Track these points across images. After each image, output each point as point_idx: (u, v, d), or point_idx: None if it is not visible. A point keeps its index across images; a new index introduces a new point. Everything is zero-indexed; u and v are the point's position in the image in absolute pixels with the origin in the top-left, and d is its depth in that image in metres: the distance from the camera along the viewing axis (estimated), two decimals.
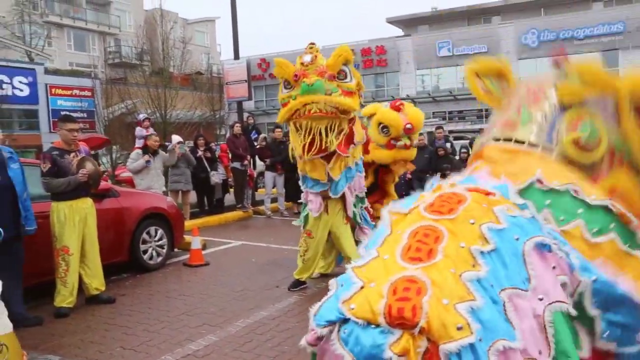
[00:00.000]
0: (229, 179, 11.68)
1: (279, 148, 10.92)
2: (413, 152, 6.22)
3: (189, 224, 9.06)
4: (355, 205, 5.66)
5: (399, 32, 41.80)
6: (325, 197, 5.52)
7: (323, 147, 4.94)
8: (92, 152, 8.21)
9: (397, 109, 5.86)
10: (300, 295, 5.62)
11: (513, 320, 1.69)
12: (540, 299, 1.77)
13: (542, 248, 1.87)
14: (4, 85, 24.14)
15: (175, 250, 7.73)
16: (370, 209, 6.14)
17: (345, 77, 4.98)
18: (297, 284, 5.78)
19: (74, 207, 5.26)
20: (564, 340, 1.77)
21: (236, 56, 17.65)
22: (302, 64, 4.97)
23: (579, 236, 2.04)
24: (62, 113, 9.62)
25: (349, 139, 5.17)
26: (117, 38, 40.98)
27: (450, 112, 32.42)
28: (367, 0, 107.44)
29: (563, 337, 1.77)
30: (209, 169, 10.70)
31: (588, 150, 2.18)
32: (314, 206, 5.51)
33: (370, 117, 6.14)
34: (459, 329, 1.54)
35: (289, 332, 4.55)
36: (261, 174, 12.33)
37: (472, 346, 1.54)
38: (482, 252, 1.80)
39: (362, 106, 5.73)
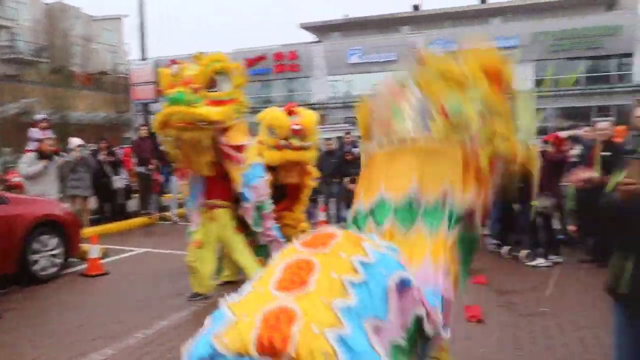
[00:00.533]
0: (133, 184, 11.23)
1: None
2: (305, 155, 6.08)
3: (88, 231, 8.60)
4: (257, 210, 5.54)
5: (311, 37, 42.28)
6: (212, 207, 5.51)
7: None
8: None
9: (290, 111, 5.91)
10: (204, 303, 5.51)
11: (377, 347, 1.78)
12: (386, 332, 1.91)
13: (403, 284, 2.00)
14: None
15: (72, 259, 7.30)
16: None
17: (217, 85, 5.05)
18: (197, 295, 5.64)
19: None
20: None
21: (143, 56, 17.07)
22: (170, 75, 5.03)
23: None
24: None
25: (233, 147, 5.25)
26: (12, 32, 38.12)
27: None
28: (281, 6, 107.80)
29: None
30: (111, 174, 10.24)
31: (459, 123, 2.33)
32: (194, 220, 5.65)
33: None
34: (325, 355, 1.58)
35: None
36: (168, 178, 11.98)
37: None
38: (352, 283, 1.88)
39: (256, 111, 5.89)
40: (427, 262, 2.30)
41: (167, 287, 6.13)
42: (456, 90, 2.36)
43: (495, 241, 7.80)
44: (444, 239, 2.35)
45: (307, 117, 5.95)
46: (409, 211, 2.42)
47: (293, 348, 1.57)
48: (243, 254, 5.59)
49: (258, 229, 5.61)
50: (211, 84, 5.00)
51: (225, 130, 5.19)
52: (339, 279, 1.87)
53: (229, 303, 1.89)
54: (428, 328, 2.08)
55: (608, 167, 6.56)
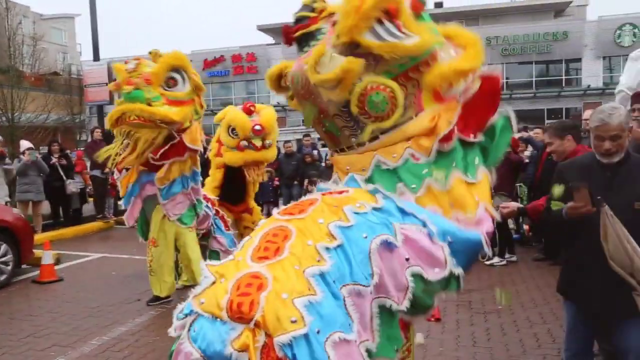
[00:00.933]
0: (88, 188, 10.92)
1: None
2: (267, 155, 6.05)
3: (40, 237, 8.33)
4: (191, 210, 5.47)
5: (269, 39, 42.16)
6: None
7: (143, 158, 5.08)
8: None
9: (248, 111, 5.86)
10: (163, 308, 5.41)
11: (352, 313, 1.79)
12: (373, 298, 1.91)
13: (388, 245, 1.96)
14: None
15: (24, 266, 7.04)
16: (228, 218, 6.09)
17: (175, 84, 4.95)
18: (156, 299, 5.51)
19: None
20: (385, 329, 1.93)
21: (96, 57, 16.63)
22: (126, 70, 4.89)
23: (433, 195, 2.15)
24: None
25: (179, 148, 5.11)
26: None
27: None
28: (239, 7, 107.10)
29: (385, 327, 1.93)
30: (64, 177, 9.93)
31: (385, 117, 2.16)
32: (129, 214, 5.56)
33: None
34: (292, 322, 1.61)
35: (149, 347, 4.37)
36: None
37: (306, 338, 1.62)
38: (327, 248, 1.87)
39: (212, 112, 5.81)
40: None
41: (124, 292, 5.99)
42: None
43: None
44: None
45: (267, 116, 5.91)
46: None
47: (260, 313, 1.62)
48: (194, 250, 5.47)
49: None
50: (169, 83, 4.91)
51: (182, 131, 5.10)
52: (314, 246, 1.87)
53: (208, 264, 1.91)
54: (432, 277, 2.02)
55: (553, 168, 6.87)
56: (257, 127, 5.62)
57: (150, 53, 5.11)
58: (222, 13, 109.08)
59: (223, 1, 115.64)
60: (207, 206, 5.69)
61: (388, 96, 2.10)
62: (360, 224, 1.98)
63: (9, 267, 6.49)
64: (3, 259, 6.42)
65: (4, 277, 6.41)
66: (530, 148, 8.06)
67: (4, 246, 6.42)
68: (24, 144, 9.57)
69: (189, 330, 1.71)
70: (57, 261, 7.24)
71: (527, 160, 7.52)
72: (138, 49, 52.15)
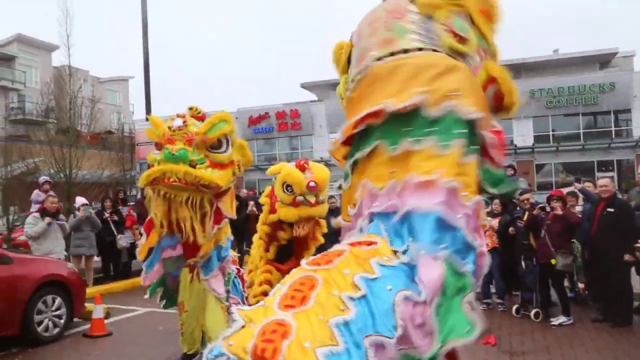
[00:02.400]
0: (137, 242, 11.19)
1: None
2: (320, 210, 6.09)
3: (91, 290, 8.53)
4: (226, 283, 5.36)
5: (312, 96, 43.20)
6: (197, 264, 5.20)
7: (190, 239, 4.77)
8: None
9: (302, 167, 5.93)
10: None
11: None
12: (399, 350, 1.86)
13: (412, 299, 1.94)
14: None
15: (75, 320, 7.20)
16: (246, 278, 5.96)
17: (220, 147, 4.75)
18: (185, 356, 5.32)
19: None
20: None
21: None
22: (170, 128, 4.63)
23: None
24: None
25: (216, 216, 4.92)
26: (20, 94, 39.07)
27: None
28: (283, 66, 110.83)
29: None
30: (115, 232, 10.24)
31: (465, 41, 2.26)
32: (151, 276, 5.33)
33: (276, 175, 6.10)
34: None
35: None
36: None
37: None
38: (351, 298, 1.88)
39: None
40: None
41: (171, 348, 6.00)
42: (459, 15, 2.32)
43: (500, 300, 7.71)
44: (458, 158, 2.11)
45: (320, 172, 5.90)
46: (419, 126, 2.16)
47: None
48: (214, 315, 5.19)
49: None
50: (215, 145, 4.71)
51: (221, 194, 4.92)
52: (339, 296, 1.88)
53: (240, 310, 1.93)
54: None
55: (611, 223, 6.63)
56: (312, 184, 5.64)
57: (190, 109, 4.91)
58: (266, 72, 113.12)
59: (268, 61, 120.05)
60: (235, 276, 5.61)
61: None
62: (385, 277, 1.97)
63: (62, 321, 6.65)
64: (57, 313, 6.59)
65: (57, 330, 6.56)
66: (580, 202, 7.84)
67: (58, 300, 6.61)
68: (79, 200, 9.97)
69: None
70: (107, 315, 7.36)
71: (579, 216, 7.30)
72: (186, 106, 54.05)
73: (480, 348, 5.72)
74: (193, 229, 4.80)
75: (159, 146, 4.57)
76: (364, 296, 1.89)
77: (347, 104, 2.49)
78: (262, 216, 5.99)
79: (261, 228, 6.22)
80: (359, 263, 2.02)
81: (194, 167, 4.47)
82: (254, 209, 11.44)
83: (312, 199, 5.63)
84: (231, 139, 4.92)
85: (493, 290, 7.98)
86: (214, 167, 4.63)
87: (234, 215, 5.16)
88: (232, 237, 5.45)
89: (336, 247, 2.21)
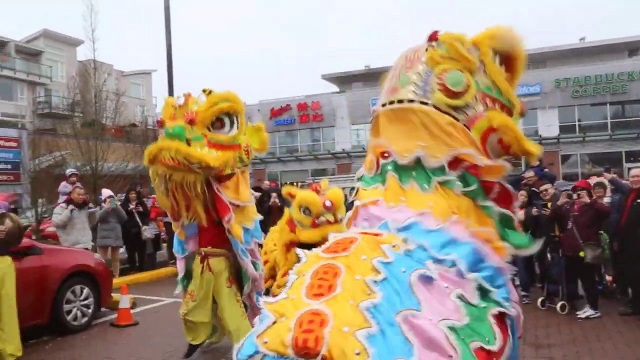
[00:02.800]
0: (162, 234, 11.35)
1: None
2: (340, 228, 6.05)
3: (118, 281, 8.68)
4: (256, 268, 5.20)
5: (334, 88, 43.08)
6: (207, 255, 5.10)
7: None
8: (12, 207, 7.79)
9: (315, 191, 5.91)
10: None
11: (410, 338, 1.86)
12: (430, 319, 1.96)
13: (427, 278, 2.12)
14: None
15: (102, 309, 7.35)
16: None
17: (222, 127, 4.56)
18: (192, 348, 5.29)
19: None
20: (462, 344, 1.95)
21: None
22: (172, 106, 4.53)
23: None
24: None
25: (219, 203, 4.74)
26: (47, 88, 39.78)
27: None
28: (304, 58, 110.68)
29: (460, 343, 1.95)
30: (140, 224, 10.39)
31: (457, 95, 2.50)
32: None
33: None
34: (357, 354, 1.71)
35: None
36: None
37: None
38: (375, 282, 2.01)
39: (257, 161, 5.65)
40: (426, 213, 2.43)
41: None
42: (461, 69, 2.56)
43: (524, 292, 7.62)
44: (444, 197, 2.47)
45: (334, 193, 5.82)
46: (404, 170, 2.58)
47: (326, 348, 1.73)
48: (231, 310, 5.11)
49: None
50: (216, 124, 4.54)
51: (222, 178, 4.72)
52: (363, 280, 2.00)
53: (266, 302, 2.04)
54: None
55: None
56: (328, 203, 5.59)
57: (203, 91, 4.67)
58: (288, 64, 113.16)
59: (289, 53, 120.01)
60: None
61: None
62: (398, 260, 2.15)
63: (90, 310, 6.79)
64: (85, 302, 6.73)
65: (85, 319, 6.70)
66: (608, 193, 7.68)
67: (86, 290, 6.75)
68: (105, 192, 10.13)
69: None
70: (133, 305, 7.49)
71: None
72: None
73: None
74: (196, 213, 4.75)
75: (160, 124, 4.50)
76: (385, 279, 2.03)
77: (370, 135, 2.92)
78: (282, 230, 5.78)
79: (281, 237, 5.95)
80: (372, 248, 2.20)
81: (188, 144, 4.29)
82: (277, 200, 11.48)
83: (331, 218, 5.55)
84: (238, 121, 4.72)
85: (517, 282, 7.90)
86: (211, 147, 4.44)
87: (244, 202, 4.97)
88: (258, 217, 5.32)
89: (347, 235, 2.42)
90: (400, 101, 2.62)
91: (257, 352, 1.85)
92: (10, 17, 64.10)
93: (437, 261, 2.22)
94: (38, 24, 69.93)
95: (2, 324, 5.05)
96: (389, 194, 2.54)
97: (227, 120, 4.61)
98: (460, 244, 2.29)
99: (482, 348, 2.01)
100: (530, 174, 8.82)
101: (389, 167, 2.57)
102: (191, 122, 4.32)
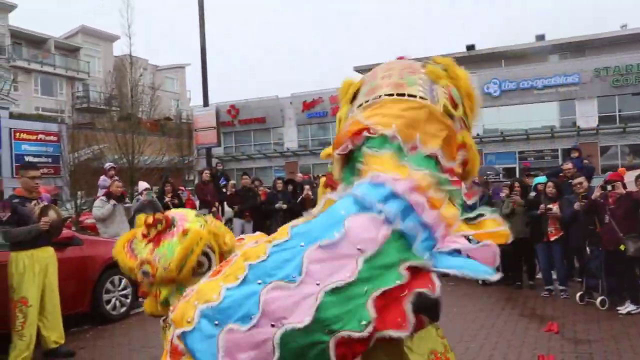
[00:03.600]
0: None
1: (247, 194, 10.88)
2: None
3: None
4: None
5: None
6: None
7: None
8: (53, 199, 8.03)
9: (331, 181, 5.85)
10: None
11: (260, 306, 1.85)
12: (317, 284, 1.86)
13: (327, 247, 1.95)
14: None
15: (140, 299, 7.51)
16: None
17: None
18: None
19: (35, 256, 5.11)
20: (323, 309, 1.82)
21: (205, 103, 17.80)
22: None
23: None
24: (26, 159, 9.46)
25: None
26: (85, 83, 40.83)
27: None
28: (336, 50, 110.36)
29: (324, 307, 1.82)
30: None
31: (456, 107, 2.68)
32: None
33: None
34: (187, 322, 1.90)
35: None
36: (229, 220, 12.23)
37: (194, 332, 1.89)
38: (251, 265, 1.99)
39: None
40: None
41: None
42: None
43: (562, 287, 7.46)
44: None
45: None
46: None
47: (172, 313, 2.03)
48: None
49: None
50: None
51: None
52: (244, 264, 2.01)
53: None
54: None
55: None
56: None
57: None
58: (320, 56, 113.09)
59: (321, 45, 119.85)
60: None
61: None
62: (294, 237, 2.05)
63: (128, 300, 6.96)
64: (123, 292, 6.90)
65: (124, 309, 6.88)
66: None
67: (124, 280, 6.92)
68: (142, 184, 10.34)
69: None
70: None
71: None
72: (243, 92, 55.18)
73: (542, 335, 5.57)
74: None
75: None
76: (264, 260, 1.98)
77: (351, 121, 2.76)
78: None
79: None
80: (280, 234, 2.14)
81: None
82: (310, 192, 11.53)
83: None
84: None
85: (554, 276, 7.75)
86: None
87: None
88: None
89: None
90: (412, 95, 2.64)
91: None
92: (50, 14, 65.85)
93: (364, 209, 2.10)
94: (76, 21, 71.72)
95: (45, 312, 5.23)
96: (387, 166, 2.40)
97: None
98: (397, 198, 2.17)
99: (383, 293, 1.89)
100: (568, 165, 8.62)
101: (387, 145, 2.46)
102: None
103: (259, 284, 1.91)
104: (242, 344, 1.84)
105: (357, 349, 1.87)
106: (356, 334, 1.82)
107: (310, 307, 1.84)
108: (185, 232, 2.78)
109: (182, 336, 1.92)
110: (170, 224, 2.81)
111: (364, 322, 1.83)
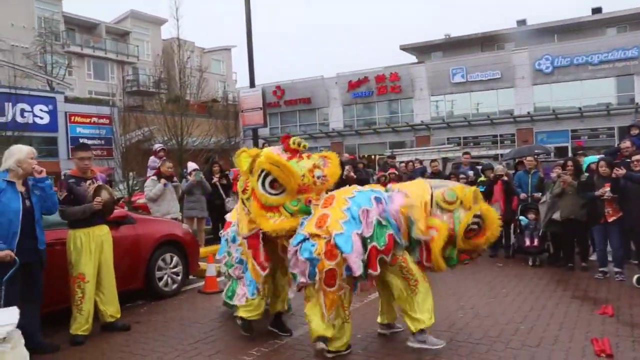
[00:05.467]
0: None
1: None
2: None
3: (204, 250, 9.06)
4: None
5: (412, 59, 42.11)
6: None
7: None
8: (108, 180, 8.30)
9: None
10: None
11: (362, 220, 4.42)
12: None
13: (377, 199, 4.59)
14: (25, 114, 24.67)
15: (190, 277, 7.73)
16: None
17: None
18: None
19: (91, 234, 5.31)
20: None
21: (252, 84, 17.91)
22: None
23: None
24: (80, 141, 9.81)
25: None
26: (135, 67, 41.79)
27: (465, 138, 32.34)
28: (381, 29, 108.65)
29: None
30: (224, 196, 10.75)
31: (450, 204, 4.51)
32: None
33: None
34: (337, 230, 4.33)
35: None
36: None
37: (342, 234, 4.30)
38: (349, 198, 4.58)
39: None
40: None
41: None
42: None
43: (618, 269, 7.19)
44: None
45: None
46: None
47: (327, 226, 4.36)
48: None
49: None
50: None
51: None
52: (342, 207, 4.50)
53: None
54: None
55: None
56: None
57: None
58: (365, 35, 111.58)
59: (366, 23, 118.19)
60: None
61: None
62: (357, 195, 4.63)
63: (180, 277, 7.17)
64: (175, 270, 7.11)
65: (175, 286, 7.09)
66: None
67: (175, 258, 7.12)
68: (191, 165, 10.55)
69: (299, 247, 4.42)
70: (219, 274, 7.81)
71: None
72: (288, 74, 55.18)
73: (596, 318, 5.41)
74: None
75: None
76: (349, 206, 4.49)
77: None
78: None
79: None
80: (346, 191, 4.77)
81: None
82: (352, 173, 11.50)
83: None
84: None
85: (610, 259, 7.48)
86: None
87: None
88: None
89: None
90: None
91: (303, 238, 4.38)
92: (100, 0, 67.47)
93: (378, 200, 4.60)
94: (125, 5, 73.16)
95: (102, 288, 5.44)
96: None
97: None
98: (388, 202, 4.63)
99: (375, 247, 4.36)
100: (627, 144, 8.24)
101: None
102: None
103: (355, 209, 4.44)
104: (356, 241, 4.30)
105: (375, 252, 4.36)
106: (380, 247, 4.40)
107: (371, 227, 4.41)
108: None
109: (335, 238, 4.24)
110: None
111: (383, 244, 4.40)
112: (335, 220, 4.28)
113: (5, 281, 4.29)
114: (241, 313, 5.08)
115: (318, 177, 4.56)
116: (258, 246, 4.86)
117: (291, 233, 4.54)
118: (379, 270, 4.34)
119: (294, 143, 4.60)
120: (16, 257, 4.39)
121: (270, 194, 4.54)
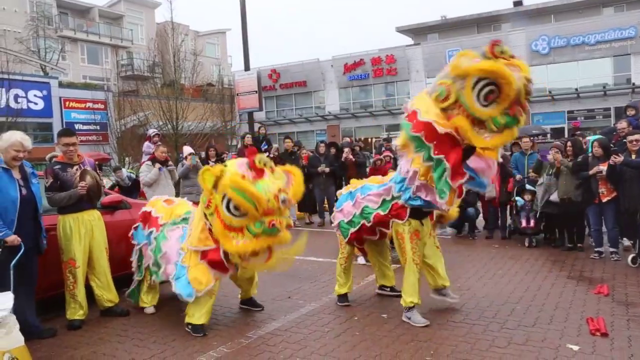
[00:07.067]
0: None
1: (290, 158, 10.91)
2: None
3: None
4: None
5: (408, 41, 41.82)
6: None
7: None
8: (98, 165, 8.25)
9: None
10: (313, 306, 5.59)
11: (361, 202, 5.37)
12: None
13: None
14: (19, 99, 24.50)
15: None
16: None
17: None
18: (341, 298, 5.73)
19: (80, 219, 5.27)
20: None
21: (247, 67, 17.79)
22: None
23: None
24: (76, 127, 9.70)
25: None
26: (129, 51, 41.43)
27: None
28: (377, 11, 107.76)
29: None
30: None
31: (441, 102, 4.13)
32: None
33: None
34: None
35: (301, 344, 4.52)
36: None
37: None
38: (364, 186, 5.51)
39: None
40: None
41: (276, 290, 6.28)
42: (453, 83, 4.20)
43: (614, 249, 7.22)
44: None
45: None
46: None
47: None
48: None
49: None
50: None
51: None
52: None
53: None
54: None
55: None
56: None
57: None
58: (361, 16, 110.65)
59: (361, 5, 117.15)
60: None
61: None
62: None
63: None
64: None
65: None
66: None
67: None
68: (186, 149, 10.49)
69: None
70: None
71: None
72: (282, 56, 54.96)
73: (592, 298, 5.44)
74: None
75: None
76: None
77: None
78: None
79: None
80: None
81: None
82: (350, 155, 11.50)
83: None
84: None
85: (606, 240, 7.51)
86: None
87: None
88: None
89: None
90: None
91: None
92: None
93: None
94: None
95: (96, 273, 5.43)
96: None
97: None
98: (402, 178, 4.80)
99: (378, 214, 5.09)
100: (623, 124, 8.22)
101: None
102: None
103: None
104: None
105: (378, 217, 5.16)
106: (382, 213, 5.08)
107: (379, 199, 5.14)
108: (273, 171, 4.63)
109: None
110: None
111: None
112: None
113: (13, 267, 4.32)
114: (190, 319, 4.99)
115: (283, 202, 4.46)
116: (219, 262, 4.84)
117: (254, 255, 4.57)
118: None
119: (259, 162, 4.48)
120: (22, 243, 4.42)
121: (234, 215, 4.48)
